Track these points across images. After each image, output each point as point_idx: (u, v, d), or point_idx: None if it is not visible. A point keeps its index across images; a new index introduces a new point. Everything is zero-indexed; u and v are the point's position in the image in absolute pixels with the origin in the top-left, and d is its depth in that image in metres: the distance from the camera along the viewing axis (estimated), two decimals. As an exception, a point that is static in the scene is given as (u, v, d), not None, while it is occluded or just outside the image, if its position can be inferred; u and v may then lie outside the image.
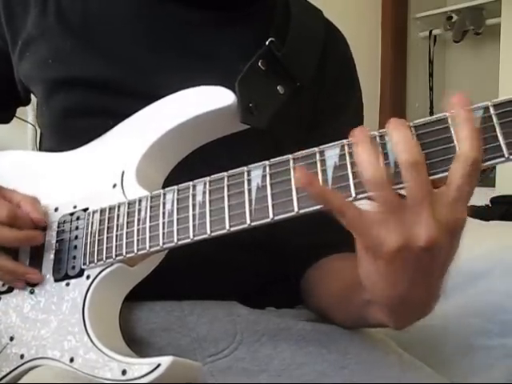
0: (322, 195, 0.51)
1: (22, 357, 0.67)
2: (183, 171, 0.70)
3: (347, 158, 0.53)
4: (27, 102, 0.94)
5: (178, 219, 0.62)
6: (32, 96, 0.91)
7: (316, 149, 0.55)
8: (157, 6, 0.81)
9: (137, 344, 0.71)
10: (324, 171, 0.54)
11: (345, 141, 0.54)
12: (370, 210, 0.51)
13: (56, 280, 0.69)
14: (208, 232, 0.59)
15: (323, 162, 0.54)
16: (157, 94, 0.72)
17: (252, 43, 0.76)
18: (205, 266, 0.70)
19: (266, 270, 0.78)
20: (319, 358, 0.71)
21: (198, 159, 0.71)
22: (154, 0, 0.80)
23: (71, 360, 0.63)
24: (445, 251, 0.52)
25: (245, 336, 0.74)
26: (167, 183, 0.70)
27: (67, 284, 0.68)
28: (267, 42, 0.75)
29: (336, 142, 0.54)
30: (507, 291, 1.07)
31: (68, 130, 0.79)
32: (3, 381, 0.68)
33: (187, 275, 0.69)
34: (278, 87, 0.74)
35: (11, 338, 0.69)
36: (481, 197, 1.85)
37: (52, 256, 0.70)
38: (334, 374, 0.69)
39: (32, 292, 0.70)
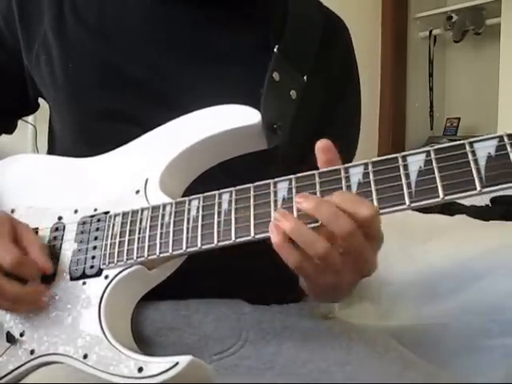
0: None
1: (32, 352, 0.67)
2: (200, 181, 0.71)
3: (371, 175, 0.57)
4: (35, 106, 0.93)
5: (202, 225, 0.63)
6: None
7: (341, 166, 0.58)
8: (167, 6, 0.81)
9: (143, 343, 0.71)
10: (349, 187, 0.57)
11: (368, 160, 0.57)
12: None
13: (72, 278, 0.69)
14: (233, 238, 0.61)
15: (348, 178, 0.58)
16: (176, 97, 0.75)
17: (258, 39, 0.79)
18: (209, 265, 0.70)
19: (270, 267, 0.78)
20: (323, 355, 0.72)
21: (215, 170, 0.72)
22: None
23: (85, 357, 0.64)
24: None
25: (250, 334, 0.75)
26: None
27: (84, 283, 0.68)
28: (275, 49, 0.75)
29: (360, 162, 0.58)
30: (508, 291, 1.07)
31: (93, 133, 0.79)
32: (10, 375, 0.67)
33: (192, 274, 0.69)
34: (291, 92, 0.75)
35: (21, 334, 0.69)
36: (481, 197, 1.85)
37: (69, 255, 0.70)
38: (338, 371, 0.70)
39: None
